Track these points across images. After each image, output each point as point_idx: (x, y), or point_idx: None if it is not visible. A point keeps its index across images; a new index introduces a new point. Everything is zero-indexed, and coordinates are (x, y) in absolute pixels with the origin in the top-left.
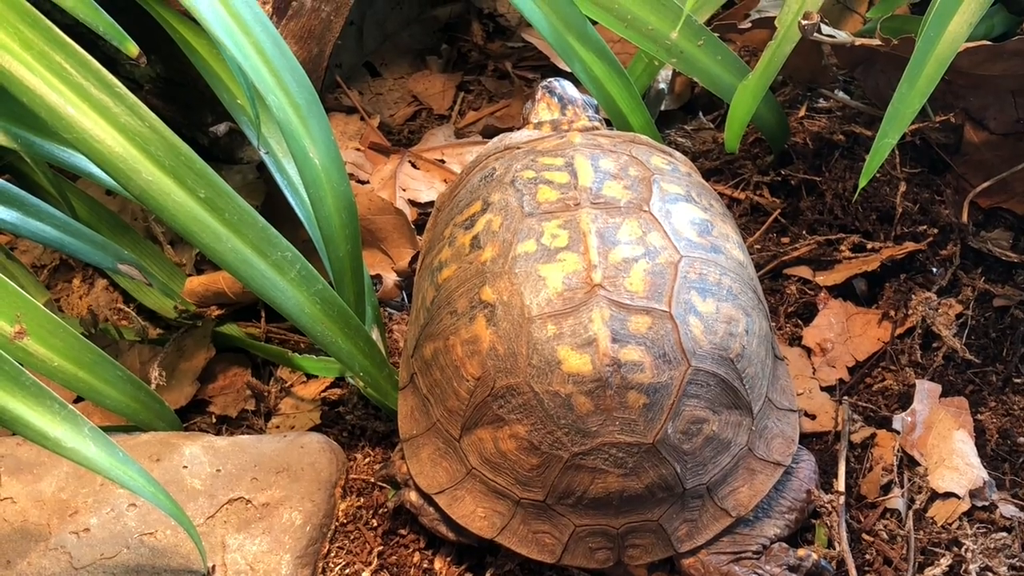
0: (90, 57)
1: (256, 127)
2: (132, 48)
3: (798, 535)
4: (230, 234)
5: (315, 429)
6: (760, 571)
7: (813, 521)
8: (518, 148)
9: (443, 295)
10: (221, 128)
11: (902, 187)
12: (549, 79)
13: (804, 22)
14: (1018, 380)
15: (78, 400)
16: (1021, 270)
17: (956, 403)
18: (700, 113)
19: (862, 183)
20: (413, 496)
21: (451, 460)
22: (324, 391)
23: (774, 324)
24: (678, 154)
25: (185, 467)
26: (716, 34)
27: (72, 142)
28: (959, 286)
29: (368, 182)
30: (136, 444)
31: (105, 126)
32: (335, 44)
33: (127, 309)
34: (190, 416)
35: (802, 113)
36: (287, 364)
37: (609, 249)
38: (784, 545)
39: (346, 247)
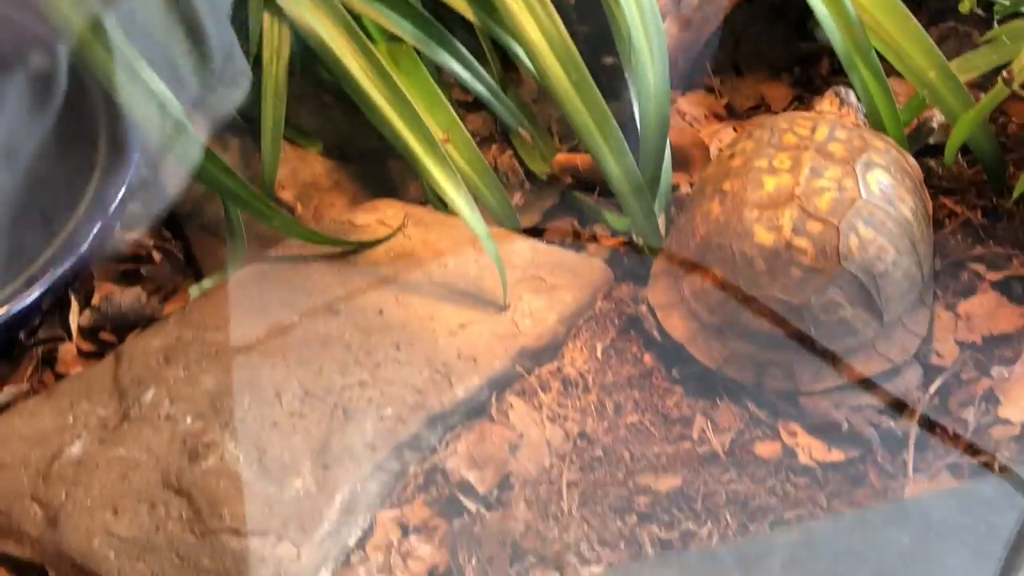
0: None
1: (627, 62)
2: None
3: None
4: (590, 119)
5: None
6: (849, 415)
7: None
8: (791, 115)
9: (702, 183)
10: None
11: None
12: (838, 86)
13: (1005, 73)
14: None
15: None
16: None
17: None
18: (959, 154)
19: (1016, 192)
20: (643, 308)
21: (674, 290)
22: (619, 245)
23: (940, 294)
24: (890, 141)
25: (514, 251)
26: (962, 81)
27: (513, 34)
28: None
29: (699, 131)
30: (492, 229)
31: (540, 37)
32: (710, 36)
33: (517, 165)
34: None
35: None
36: (599, 217)
37: (814, 179)
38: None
39: (655, 143)
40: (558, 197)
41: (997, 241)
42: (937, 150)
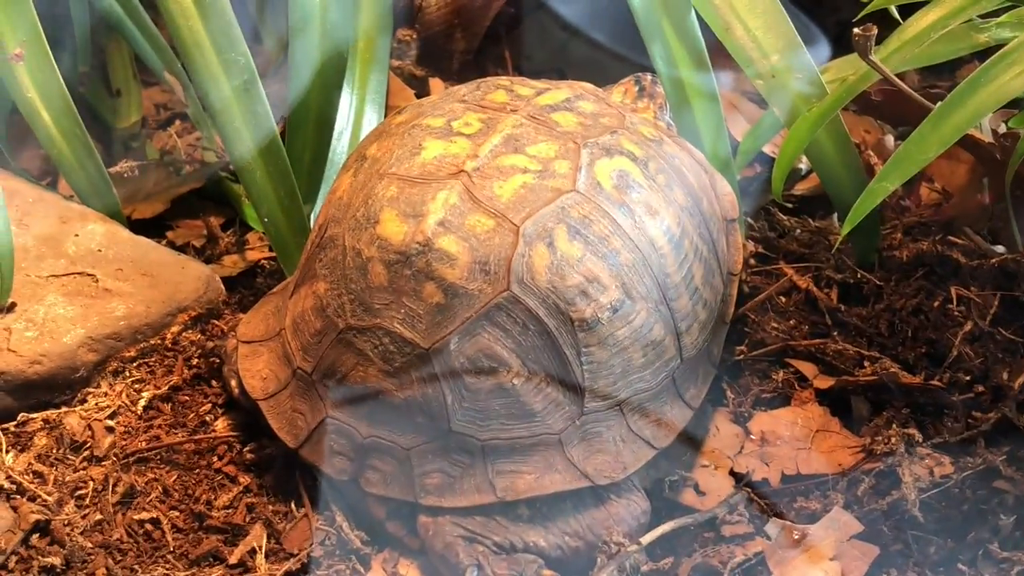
0: None
1: None
2: None
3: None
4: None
5: (229, 280)
6: (485, 563)
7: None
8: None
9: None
10: None
11: (967, 326)
12: (643, 73)
13: (858, 30)
14: (962, 566)
15: None
16: None
17: (864, 548)
18: (836, 217)
19: (844, 230)
20: (231, 344)
21: (276, 318)
22: (264, 261)
23: (734, 398)
24: (691, 149)
25: (76, 235)
26: (821, 76)
27: None
28: (972, 453)
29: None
30: (59, 204)
31: None
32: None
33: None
34: (146, 233)
35: (925, 246)
36: (240, 208)
37: (505, 153)
38: (537, 559)
39: (319, 96)
40: (205, 181)
41: (847, 334)
42: (803, 205)
